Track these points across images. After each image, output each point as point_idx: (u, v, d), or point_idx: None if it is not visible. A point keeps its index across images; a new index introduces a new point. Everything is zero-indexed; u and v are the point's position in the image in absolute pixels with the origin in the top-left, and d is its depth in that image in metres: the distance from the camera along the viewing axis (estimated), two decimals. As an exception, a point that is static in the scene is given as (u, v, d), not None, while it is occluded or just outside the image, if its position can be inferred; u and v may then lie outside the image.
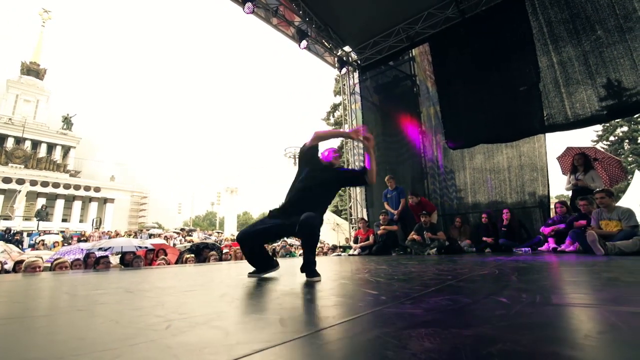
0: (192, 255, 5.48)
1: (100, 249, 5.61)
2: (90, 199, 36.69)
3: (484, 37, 6.98)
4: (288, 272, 3.01)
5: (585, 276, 2.08)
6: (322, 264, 4.41)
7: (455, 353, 0.72)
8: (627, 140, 27.79)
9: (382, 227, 7.08)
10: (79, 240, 15.96)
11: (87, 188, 35.94)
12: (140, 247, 5.92)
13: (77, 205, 35.58)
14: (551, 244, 5.09)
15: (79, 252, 5.72)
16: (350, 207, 10.49)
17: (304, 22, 7.93)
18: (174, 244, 13.57)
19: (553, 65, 6.09)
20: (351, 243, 8.55)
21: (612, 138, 28.17)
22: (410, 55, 9.15)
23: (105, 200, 37.62)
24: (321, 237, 15.66)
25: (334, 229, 18.21)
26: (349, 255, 7.36)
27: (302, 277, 2.32)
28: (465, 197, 7.56)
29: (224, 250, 7.64)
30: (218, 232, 21.83)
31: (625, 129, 27.50)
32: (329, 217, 15.65)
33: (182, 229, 17.16)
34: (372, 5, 7.76)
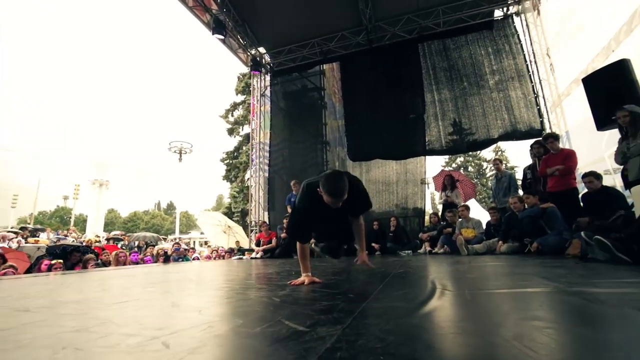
0: (59, 260, 4.32)
1: None
2: None
3: (386, 66, 8.09)
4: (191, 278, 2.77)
5: (478, 271, 2.65)
6: (234, 268, 4.20)
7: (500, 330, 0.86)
8: (462, 168, 36.24)
9: (285, 231, 7.20)
10: None
11: None
12: (-25, 250, 4.23)
13: None
14: (427, 247, 6.21)
15: None
16: (250, 210, 10.24)
17: (221, 13, 7.46)
18: (10, 246, 10.29)
19: (435, 101, 7.56)
20: (252, 246, 8.36)
21: (454, 165, 36.23)
22: (321, 69, 9.72)
23: None
24: (213, 241, 14.69)
25: (225, 231, 17.34)
26: (251, 258, 7.18)
27: (221, 283, 2.20)
28: (360, 205, 8.43)
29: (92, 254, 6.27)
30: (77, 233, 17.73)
31: (462, 159, 35.79)
32: (220, 219, 14.83)
33: (22, 228, 13.15)
34: (292, 15, 7.94)
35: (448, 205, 6.52)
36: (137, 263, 6.16)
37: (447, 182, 6.81)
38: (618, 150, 3.76)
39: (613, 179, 5.00)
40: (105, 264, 5.47)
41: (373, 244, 6.91)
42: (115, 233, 21.93)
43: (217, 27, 7.28)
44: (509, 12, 7.67)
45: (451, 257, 4.50)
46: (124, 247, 12.85)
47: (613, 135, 4.26)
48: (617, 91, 4.11)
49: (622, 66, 4.18)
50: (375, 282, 2.09)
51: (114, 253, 5.60)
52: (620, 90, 4.08)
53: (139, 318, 1.19)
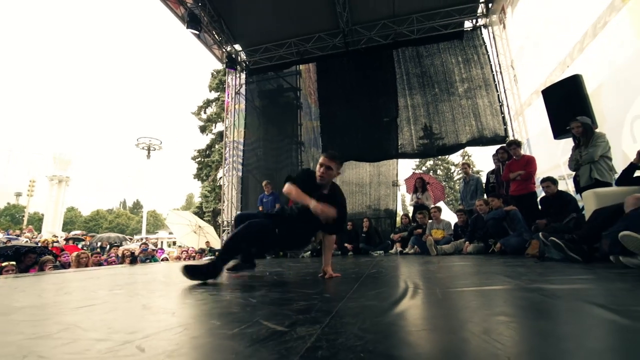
0: (12, 262, 3.97)
1: None
2: None
3: (362, 70, 8.24)
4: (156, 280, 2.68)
5: (447, 270, 2.77)
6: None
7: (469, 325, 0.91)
8: (431, 172, 37.55)
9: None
10: None
11: None
12: None
13: None
14: (398, 247, 6.38)
15: None
16: (222, 210, 10.01)
17: (196, 6, 7.23)
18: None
19: (407, 106, 7.80)
20: (224, 247, 8.17)
21: (424, 168, 37.49)
22: (297, 69, 9.72)
23: None
24: (183, 242, 14.19)
25: (195, 231, 16.84)
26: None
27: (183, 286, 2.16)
28: (334, 206, 8.53)
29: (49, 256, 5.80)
30: (32, 232, 16.39)
31: (431, 162, 37.11)
32: (190, 218, 14.35)
33: (-36, 228, 11.89)
34: (270, 13, 7.87)
35: (419, 207, 6.74)
36: (100, 264, 5.82)
37: (419, 184, 7.04)
38: (571, 158, 4.09)
39: (566, 184, 5.42)
40: (65, 265, 5.12)
41: (346, 245, 7.00)
42: (76, 233, 20.58)
43: (191, 21, 7.06)
44: (477, 24, 8.10)
45: (421, 257, 4.66)
46: (84, 248, 12.08)
47: (568, 144, 4.62)
48: (571, 103, 4.46)
49: (575, 81, 4.55)
50: (350, 282, 2.13)
51: (74, 254, 5.25)
52: (573, 103, 4.44)
53: (108, 322, 1.13)
